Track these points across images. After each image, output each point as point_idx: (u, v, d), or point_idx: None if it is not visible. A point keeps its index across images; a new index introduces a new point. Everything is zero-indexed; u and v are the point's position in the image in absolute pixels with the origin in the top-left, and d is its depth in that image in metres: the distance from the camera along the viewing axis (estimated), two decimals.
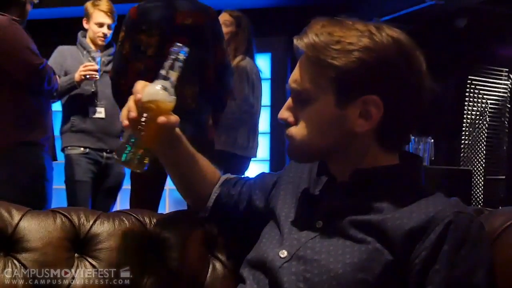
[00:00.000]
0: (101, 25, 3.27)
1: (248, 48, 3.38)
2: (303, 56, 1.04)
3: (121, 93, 2.71)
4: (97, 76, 3.11)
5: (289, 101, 1.06)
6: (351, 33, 0.99)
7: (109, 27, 3.29)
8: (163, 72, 1.09)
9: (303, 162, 1.15)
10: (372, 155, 1.04)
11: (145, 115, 1.05)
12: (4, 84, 2.56)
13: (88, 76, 3.09)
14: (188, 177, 1.26)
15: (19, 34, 2.57)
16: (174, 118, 1.10)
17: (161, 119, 1.07)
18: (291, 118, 1.05)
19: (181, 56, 1.10)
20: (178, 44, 1.10)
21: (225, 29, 3.30)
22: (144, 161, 1.07)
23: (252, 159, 3.49)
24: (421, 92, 1.02)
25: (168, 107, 1.08)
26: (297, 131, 1.04)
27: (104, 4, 3.28)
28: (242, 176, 1.32)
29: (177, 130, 1.19)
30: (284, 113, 1.06)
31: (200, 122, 2.65)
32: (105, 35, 3.28)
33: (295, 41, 1.04)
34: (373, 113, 1.00)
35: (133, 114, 1.06)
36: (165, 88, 1.08)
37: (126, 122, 1.07)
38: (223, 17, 3.35)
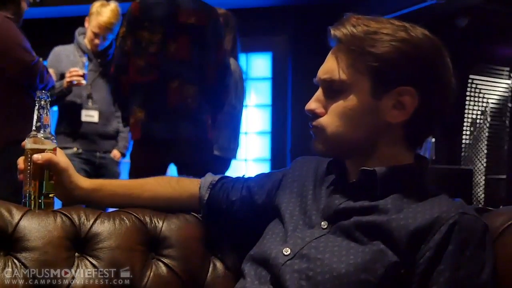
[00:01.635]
0: (96, 35, 3.24)
1: (233, 47, 3.33)
2: (338, 46, 1.04)
3: (121, 89, 2.72)
4: (83, 82, 3.09)
5: (318, 93, 1.06)
6: (387, 26, 1.01)
7: (104, 38, 3.24)
8: (38, 124, 1.21)
9: (329, 155, 1.11)
10: (398, 154, 1.04)
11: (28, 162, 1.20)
12: None
13: (75, 82, 3.08)
14: (153, 201, 1.27)
15: (11, 31, 2.59)
16: (47, 154, 1.19)
17: (35, 156, 1.18)
18: (320, 109, 1.04)
19: (43, 102, 1.21)
20: (39, 92, 1.22)
21: None
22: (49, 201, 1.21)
23: (232, 160, 3.44)
24: (451, 89, 1.03)
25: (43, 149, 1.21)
26: (328, 121, 1.03)
27: (106, 15, 3.21)
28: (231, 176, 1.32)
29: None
30: (312, 104, 1.05)
31: (200, 122, 2.65)
32: (97, 45, 3.25)
33: (332, 31, 1.04)
34: (408, 104, 1.00)
35: (21, 165, 1.20)
36: (43, 137, 1.21)
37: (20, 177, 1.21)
38: None
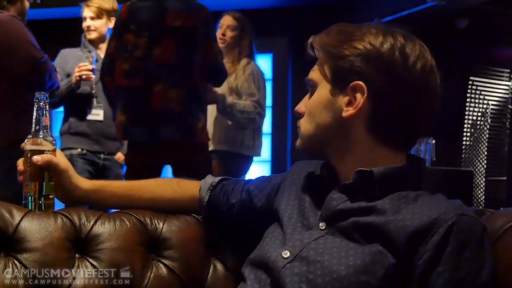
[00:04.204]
0: (85, 18, 3.30)
1: (251, 51, 3.42)
2: (318, 53, 1.10)
3: (106, 90, 2.76)
4: (92, 76, 3.10)
5: (306, 96, 1.12)
6: (360, 31, 1.05)
7: (92, 19, 3.28)
8: (37, 127, 1.21)
9: (309, 155, 1.17)
10: (378, 156, 1.05)
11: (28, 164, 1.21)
12: (3, 80, 2.57)
13: (84, 77, 3.09)
14: (153, 203, 1.28)
15: (20, 29, 2.60)
16: (47, 156, 1.20)
17: (34, 158, 1.19)
18: (302, 109, 1.11)
19: (42, 102, 1.21)
20: (37, 93, 1.21)
21: (230, 33, 3.32)
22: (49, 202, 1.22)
23: (254, 158, 3.56)
24: (420, 92, 1.03)
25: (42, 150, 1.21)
26: (302, 121, 1.11)
27: (92, 1, 3.30)
28: (241, 176, 1.33)
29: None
30: (299, 106, 1.12)
31: (185, 125, 2.64)
32: (88, 28, 3.28)
33: (312, 39, 1.11)
34: (358, 98, 1.03)
35: (20, 167, 1.21)
36: (43, 138, 1.21)
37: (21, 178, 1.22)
38: (227, 21, 3.37)
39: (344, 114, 1.04)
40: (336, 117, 1.05)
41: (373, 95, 1.02)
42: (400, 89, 1.02)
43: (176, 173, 2.68)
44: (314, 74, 1.09)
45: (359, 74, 1.03)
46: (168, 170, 2.84)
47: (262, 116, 3.43)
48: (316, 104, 1.08)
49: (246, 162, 3.45)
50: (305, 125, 1.10)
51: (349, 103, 1.04)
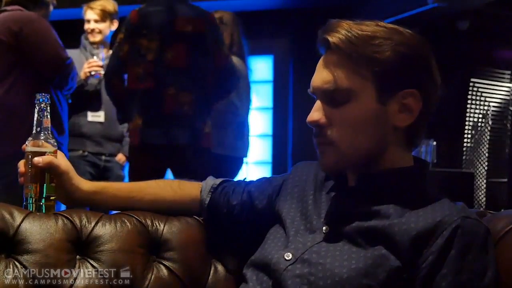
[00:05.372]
0: (88, 21, 3.31)
1: (232, 43, 3.28)
2: (336, 53, 1.00)
3: (113, 93, 2.77)
4: (102, 72, 3.12)
5: (318, 104, 1.02)
6: (380, 29, 1.00)
7: (96, 21, 3.29)
8: (38, 128, 1.21)
9: (341, 171, 1.06)
10: (398, 157, 1.04)
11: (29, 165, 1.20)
12: (29, 76, 2.60)
13: (93, 73, 3.11)
14: (154, 205, 1.27)
15: (48, 28, 2.64)
16: (48, 157, 1.19)
17: (35, 159, 1.18)
18: (323, 120, 1.00)
19: (43, 104, 1.21)
20: (38, 95, 1.21)
21: None
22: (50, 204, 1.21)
23: (244, 159, 3.49)
24: (439, 88, 1.04)
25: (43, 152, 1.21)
26: (340, 134, 1.00)
27: (94, 3, 3.32)
28: (235, 178, 1.32)
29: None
30: (315, 115, 1.01)
31: (196, 129, 2.68)
32: (93, 30, 3.30)
33: (327, 37, 1.00)
34: (413, 106, 1.00)
35: (21, 168, 1.20)
36: (44, 140, 1.21)
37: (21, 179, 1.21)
38: None
39: (399, 123, 1.00)
40: (387, 126, 1.01)
41: (423, 101, 1.00)
42: (438, 92, 1.03)
43: (177, 177, 2.69)
44: (345, 81, 0.99)
45: (409, 79, 0.99)
46: (168, 172, 2.85)
47: (236, 114, 3.36)
48: (360, 114, 0.99)
49: (231, 163, 3.36)
50: (349, 140, 0.99)
51: (400, 110, 1.00)
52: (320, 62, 1.03)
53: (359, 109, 0.99)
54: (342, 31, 0.99)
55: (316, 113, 1.01)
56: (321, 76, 1.02)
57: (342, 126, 1.00)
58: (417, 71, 1.00)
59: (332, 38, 0.99)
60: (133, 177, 2.74)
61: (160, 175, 2.65)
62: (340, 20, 1.02)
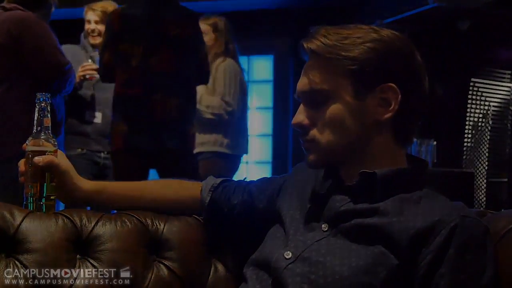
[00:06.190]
0: (89, 21, 3.31)
1: (226, 48, 3.42)
2: (313, 58, 1.05)
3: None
4: (96, 75, 3.11)
5: (301, 107, 1.07)
6: (357, 31, 1.03)
7: (96, 22, 3.30)
8: (38, 128, 1.21)
9: (324, 166, 1.11)
10: (393, 156, 1.05)
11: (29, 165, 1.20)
12: (26, 81, 2.57)
13: (87, 76, 3.10)
14: (154, 204, 1.28)
15: (48, 32, 2.60)
16: (48, 157, 1.19)
17: (36, 159, 1.18)
18: (306, 121, 1.06)
19: (44, 103, 1.21)
20: (39, 94, 1.21)
21: (205, 39, 3.32)
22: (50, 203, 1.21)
23: (242, 157, 3.55)
24: (425, 84, 1.05)
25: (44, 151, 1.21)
26: (320, 134, 1.05)
27: (96, 5, 3.32)
28: (234, 176, 1.33)
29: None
30: (299, 117, 1.07)
31: (184, 133, 2.68)
32: (93, 31, 3.30)
33: (305, 44, 1.05)
34: (392, 100, 1.02)
35: (22, 168, 1.20)
36: (44, 139, 1.21)
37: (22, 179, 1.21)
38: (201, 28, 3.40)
39: (379, 117, 1.02)
40: (367, 121, 1.03)
41: (403, 95, 1.02)
42: (419, 86, 1.04)
43: (163, 178, 2.71)
44: (323, 82, 1.03)
45: (385, 74, 1.02)
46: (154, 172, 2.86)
47: (232, 114, 3.39)
48: (339, 112, 1.03)
49: (230, 161, 3.41)
50: (326, 137, 1.04)
51: (379, 105, 1.02)
52: (304, 68, 1.08)
53: (337, 107, 1.03)
54: (319, 37, 1.03)
55: (300, 116, 1.07)
56: (301, 81, 1.08)
57: (323, 125, 1.04)
58: (393, 66, 1.02)
59: (309, 45, 1.04)
60: (117, 174, 2.75)
61: (145, 175, 2.67)
62: (319, 27, 1.06)
